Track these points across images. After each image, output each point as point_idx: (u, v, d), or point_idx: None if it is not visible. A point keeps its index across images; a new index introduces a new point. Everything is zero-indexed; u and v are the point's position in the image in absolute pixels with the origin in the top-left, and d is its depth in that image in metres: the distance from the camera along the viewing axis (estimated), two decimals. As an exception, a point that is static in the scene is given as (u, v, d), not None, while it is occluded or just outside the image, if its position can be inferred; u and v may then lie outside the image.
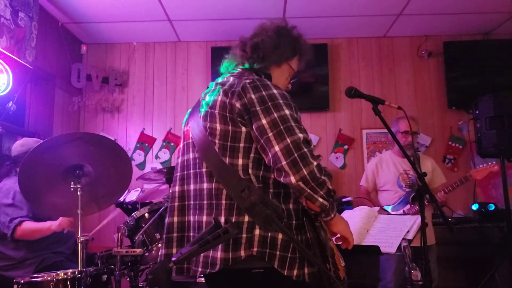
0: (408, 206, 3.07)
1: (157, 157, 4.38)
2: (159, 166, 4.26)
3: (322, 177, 1.30)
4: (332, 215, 1.39)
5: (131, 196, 3.28)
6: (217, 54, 4.28)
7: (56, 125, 3.96)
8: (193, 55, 4.52)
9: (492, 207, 3.86)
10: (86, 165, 2.29)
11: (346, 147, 4.35)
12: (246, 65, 1.53)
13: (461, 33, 4.39)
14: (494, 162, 3.13)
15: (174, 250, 1.42)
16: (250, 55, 1.52)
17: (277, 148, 1.28)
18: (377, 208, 3.01)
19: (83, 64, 4.40)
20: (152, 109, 4.47)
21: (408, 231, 2.00)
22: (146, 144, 4.40)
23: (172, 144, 4.37)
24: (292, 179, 1.26)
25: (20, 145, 2.72)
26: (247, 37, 1.57)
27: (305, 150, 1.28)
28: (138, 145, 4.39)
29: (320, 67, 4.29)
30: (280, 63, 1.57)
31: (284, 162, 1.27)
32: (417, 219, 2.03)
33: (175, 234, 1.44)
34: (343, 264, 1.45)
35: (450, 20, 4.09)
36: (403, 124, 3.22)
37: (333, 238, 1.48)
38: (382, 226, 2.12)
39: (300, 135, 1.30)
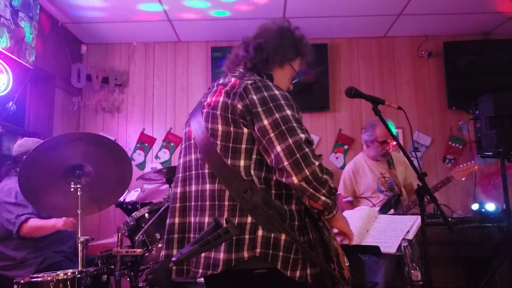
0: (392, 211, 3.01)
1: (157, 157, 4.38)
2: (159, 166, 4.26)
3: (324, 176, 1.30)
4: (335, 212, 1.40)
5: (131, 196, 3.28)
6: (217, 54, 4.27)
7: (56, 125, 3.96)
8: (193, 55, 4.52)
9: (492, 207, 3.86)
10: (86, 165, 2.29)
11: (346, 147, 4.35)
12: (249, 65, 1.53)
13: (461, 33, 4.38)
14: (473, 162, 3.09)
15: (175, 251, 1.41)
16: (253, 56, 1.52)
17: (279, 148, 1.28)
18: (377, 209, 3.01)
19: (83, 64, 4.40)
20: (152, 109, 4.47)
21: (408, 231, 2.00)
22: (146, 144, 4.40)
23: (172, 144, 4.37)
24: (295, 180, 1.27)
25: (18, 145, 2.73)
26: (250, 37, 1.57)
27: (307, 150, 1.28)
28: (138, 145, 4.39)
29: (320, 67, 4.28)
30: (282, 64, 1.57)
31: (286, 163, 1.27)
32: (417, 219, 2.03)
33: (176, 235, 1.44)
34: (347, 264, 1.46)
35: (450, 20, 4.09)
36: (380, 133, 3.12)
37: (335, 236, 1.49)
38: (382, 226, 2.12)
39: (302, 135, 1.30)
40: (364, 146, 3.40)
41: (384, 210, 3.03)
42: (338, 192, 3.31)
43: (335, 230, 1.52)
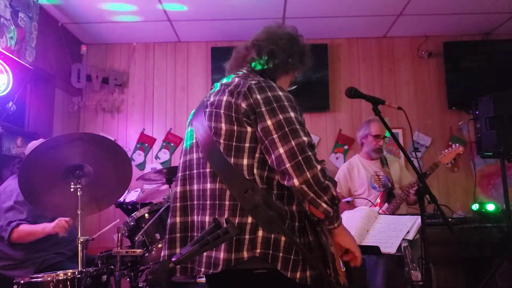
0: (386, 206, 3.08)
1: (157, 157, 4.38)
2: (159, 167, 4.26)
3: (326, 181, 1.28)
4: (336, 224, 1.38)
5: (131, 196, 3.28)
6: (217, 54, 4.27)
7: (56, 125, 3.96)
8: (193, 55, 4.52)
9: (492, 207, 3.86)
10: (86, 165, 2.29)
11: (346, 147, 4.35)
12: (258, 67, 1.53)
13: (461, 33, 4.39)
14: (458, 145, 3.13)
15: (177, 251, 1.41)
16: (266, 61, 1.52)
17: (281, 150, 1.28)
18: (377, 209, 3.02)
19: (83, 64, 4.40)
20: (152, 109, 4.47)
21: (408, 232, 2.00)
22: (146, 145, 4.40)
23: (172, 144, 4.37)
24: (296, 182, 1.26)
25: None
26: (260, 40, 1.56)
27: (310, 153, 1.28)
28: (138, 146, 4.39)
29: (320, 67, 4.28)
30: (288, 71, 1.59)
31: (288, 165, 1.26)
32: (417, 219, 2.04)
33: (178, 235, 1.43)
34: (343, 269, 1.45)
35: (450, 20, 4.09)
36: (374, 128, 3.22)
37: (338, 253, 1.46)
38: (382, 227, 2.12)
39: (305, 138, 1.30)
40: (360, 147, 3.46)
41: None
42: None
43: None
